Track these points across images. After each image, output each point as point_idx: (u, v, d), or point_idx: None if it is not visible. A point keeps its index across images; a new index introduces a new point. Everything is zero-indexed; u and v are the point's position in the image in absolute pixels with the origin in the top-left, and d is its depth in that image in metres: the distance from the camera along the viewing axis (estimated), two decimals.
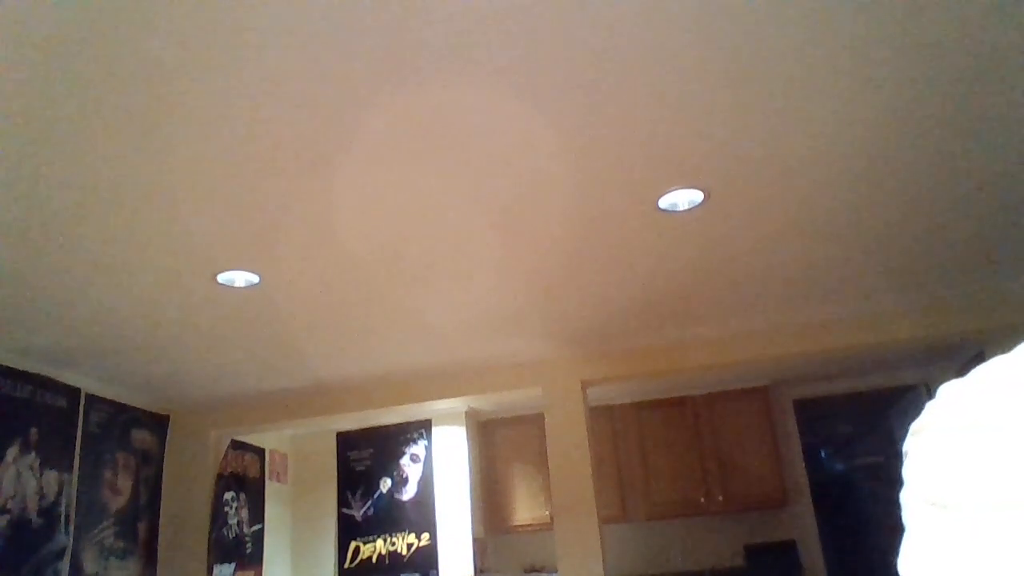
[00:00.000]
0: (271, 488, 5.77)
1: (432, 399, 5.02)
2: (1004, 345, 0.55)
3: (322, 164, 2.39)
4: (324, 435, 6.06)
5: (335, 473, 5.97)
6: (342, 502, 5.89)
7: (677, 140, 2.42)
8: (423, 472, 5.76)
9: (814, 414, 6.33)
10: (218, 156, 2.29)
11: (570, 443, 4.65)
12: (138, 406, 4.77)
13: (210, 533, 4.89)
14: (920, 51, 2.08)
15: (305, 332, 3.92)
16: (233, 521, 5.19)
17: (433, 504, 5.66)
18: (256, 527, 5.47)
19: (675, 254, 3.34)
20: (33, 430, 3.89)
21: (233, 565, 5.11)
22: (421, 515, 5.66)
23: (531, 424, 5.90)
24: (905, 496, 0.52)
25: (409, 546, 5.62)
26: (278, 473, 5.95)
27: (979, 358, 5.22)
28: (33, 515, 3.82)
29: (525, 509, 5.89)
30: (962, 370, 5.54)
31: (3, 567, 3.60)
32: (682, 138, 2.41)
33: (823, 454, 7.69)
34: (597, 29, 1.89)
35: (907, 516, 0.52)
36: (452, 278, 3.40)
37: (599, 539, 4.47)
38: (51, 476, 3.97)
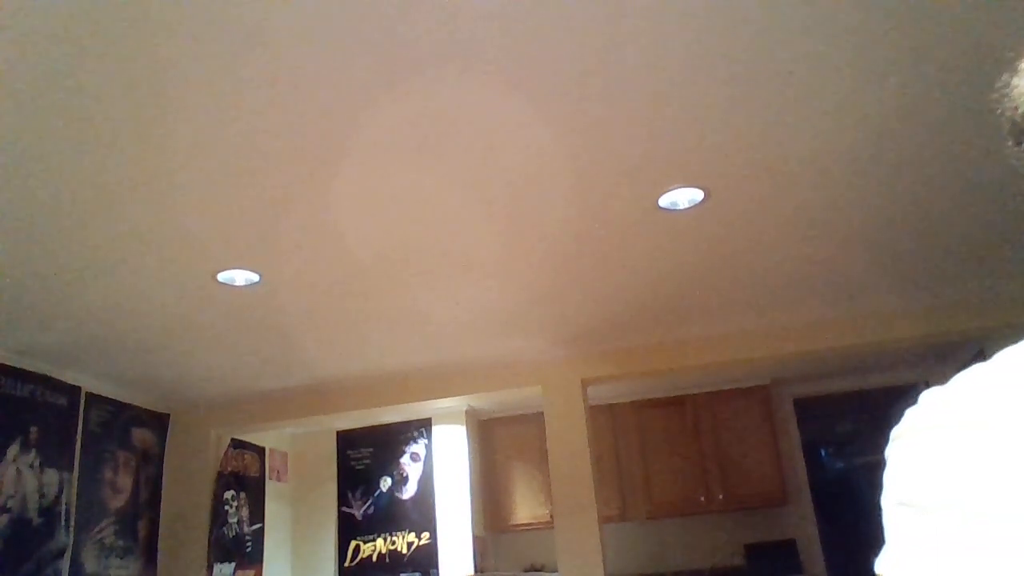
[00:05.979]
0: (271, 487, 5.77)
1: (432, 398, 5.02)
2: (1004, 345, 0.55)
3: (323, 163, 2.39)
4: (324, 434, 6.06)
5: (335, 472, 5.97)
6: (342, 501, 5.89)
7: (677, 139, 2.42)
8: (423, 471, 5.76)
9: (814, 413, 6.33)
10: (219, 155, 2.29)
11: (570, 442, 4.65)
12: (138, 405, 4.77)
13: (210, 532, 4.89)
14: (920, 50, 2.08)
15: (305, 331, 3.92)
16: (233, 520, 5.19)
17: (433, 503, 5.66)
18: (256, 526, 5.47)
19: (675, 253, 3.34)
20: (33, 429, 3.89)
21: (233, 564, 5.11)
22: (421, 514, 5.66)
23: (531, 423, 5.89)
24: (883, 499, 0.53)
25: (409, 545, 5.63)
26: (278, 472, 5.95)
27: (979, 357, 5.21)
28: (33, 514, 3.82)
29: (525, 508, 5.89)
30: (962, 370, 5.52)
31: (3, 566, 3.60)
32: (682, 137, 2.41)
33: (823, 453, 7.69)
34: (597, 29, 1.89)
35: (885, 519, 0.52)
36: (452, 277, 3.40)
37: (599, 538, 4.47)
38: (51, 475, 3.97)
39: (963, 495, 0.46)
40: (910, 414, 0.54)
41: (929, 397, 0.53)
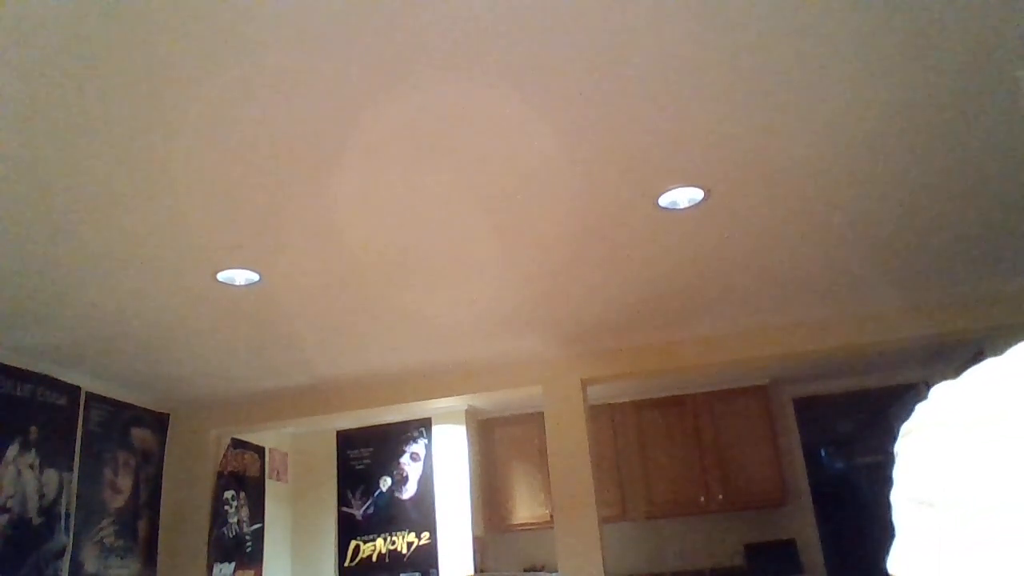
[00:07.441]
0: (271, 487, 5.77)
1: (432, 398, 5.02)
2: (1004, 345, 0.55)
3: (323, 162, 2.39)
4: (324, 434, 6.06)
5: (335, 472, 5.97)
6: (342, 501, 5.89)
7: (677, 138, 2.42)
8: (423, 471, 5.76)
9: (814, 413, 6.33)
10: (218, 154, 2.29)
11: (570, 442, 4.65)
12: (138, 404, 4.77)
13: (210, 532, 4.89)
14: (920, 50, 2.08)
15: (305, 330, 3.92)
16: (233, 520, 5.19)
17: (433, 503, 5.66)
18: (256, 526, 5.47)
19: (675, 252, 3.33)
20: (33, 429, 3.89)
21: (233, 564, 5.11)
22: (421, 514, 5.66)
23: (531, 423, 5.89)
24: (894, 496, 0.53)
25: (409, 545, 5.63)
26: (278, 472, 5.95)
27: (979, 358, 5.20)
28: (33, 514, 3.82)
29: (525, 508, 5.89)
30: (962, 370, 5.52)
31: (3, 566, 3.60)
32: (682, 136, 2.41)
33: (823, 453, 7.69)
34: (597, 29, 1.89)
35: (896, 515, 0.52)
36: (452, 277, 3.40)
37: (599, 538, 4.47)
38: (51, 475, 3.97)
39: (971, 492, 0.46)
40: (920, 409, 0.54)
41: (939, 393, 0.53)
